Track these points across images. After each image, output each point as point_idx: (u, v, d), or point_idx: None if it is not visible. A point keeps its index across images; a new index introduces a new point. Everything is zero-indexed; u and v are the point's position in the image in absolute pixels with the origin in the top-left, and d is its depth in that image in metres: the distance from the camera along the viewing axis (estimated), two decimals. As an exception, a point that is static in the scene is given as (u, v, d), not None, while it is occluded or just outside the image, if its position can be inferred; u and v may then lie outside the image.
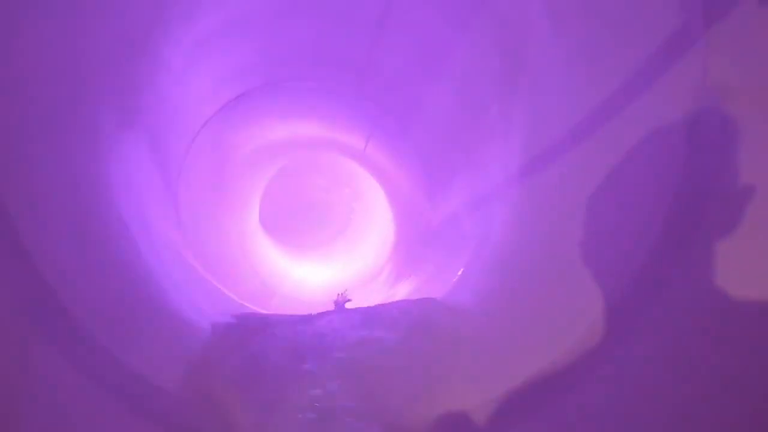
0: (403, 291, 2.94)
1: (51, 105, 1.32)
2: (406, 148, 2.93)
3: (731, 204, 1.08)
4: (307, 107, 3.04)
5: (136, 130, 1.78)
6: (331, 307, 2.86)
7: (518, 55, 1.79)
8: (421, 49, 2.33)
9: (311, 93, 2.85)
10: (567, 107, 1.56)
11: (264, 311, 2.41)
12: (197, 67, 2.15)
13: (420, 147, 2.82)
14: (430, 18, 2.14)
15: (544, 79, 1.68)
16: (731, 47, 1.12)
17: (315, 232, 4.51)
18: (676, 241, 1.17)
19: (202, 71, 2.22)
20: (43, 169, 1.28)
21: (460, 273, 2.23)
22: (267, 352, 1.77)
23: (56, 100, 1.34)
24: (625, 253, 1.31)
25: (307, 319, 2.14)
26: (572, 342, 1.34)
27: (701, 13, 1.17)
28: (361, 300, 3.13)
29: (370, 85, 2.71)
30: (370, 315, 2.10)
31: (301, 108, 3.05)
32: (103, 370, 1.27)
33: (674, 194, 1.19)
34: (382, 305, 2.32)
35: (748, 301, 1.04)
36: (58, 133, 1.34)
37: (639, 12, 1.31)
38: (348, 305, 2.87)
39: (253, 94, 2.66)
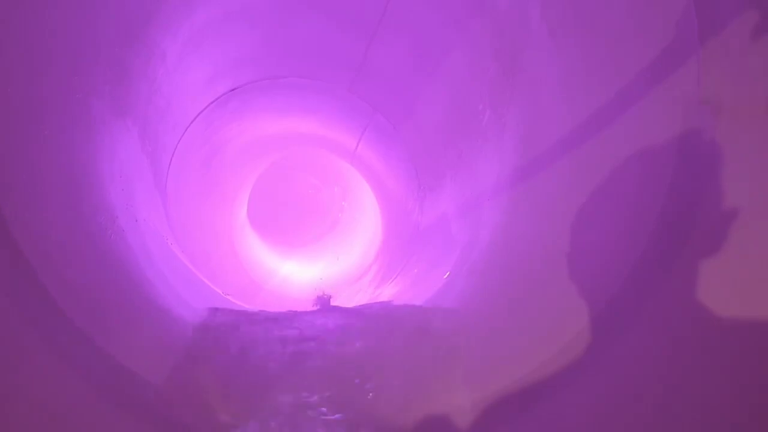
0: (389, 292, 2.94)
1: (42, 92, 1.31)
2: (397, 149, 2.93)
3: (719, 218, 1.09)
4: (300, 104, 3.03)
5: (127, 121, 1.77)
6: (315, 306, 2.86)
7: (514, 61, 1.80)
8: (417, 51, 2.33)
9: (305, 90, 2.84)
10: (560, 116, 1.57)
11: (249, 307, 2.40)
12: (192, 60, 2.14)
13: (411, 148, 2.83)
14: (427, 20, 2.15)
15: (539, 88, 1.69)
16: (725, 64, 1.13)
17: (303, 229, 4.51)
18: (662, 253, 1.18)
19: (197, 64, 2.21)
20: (31, 156, 1.27)
21: (446, 276, 2.23)
22: (251, 349, 1.76)
23: (48, 87, 1.33)
24: (612, 263, 1.32)
25: (292, 316, 2.14)
26: (557, 348, 1.35)
27: (696, 30, 1.18)
28: (346, 299, 3.13)
29: (364, 85, 2.71)
30: (355, 316, 2.10)
31: (294, 104, 3.05)
32: (87, 360, 1.26)
33: (662, 207, 1.20)
34: (367, 306, 2.32)
35: (731, 314, 1.05)
36: (49, 121, 1.33)
37: (635, 26, 1.32)
38: (332, 303, 2.88)
39: (246, 88, 2.66)
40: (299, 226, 4.50)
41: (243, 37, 2.32)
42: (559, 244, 1.49)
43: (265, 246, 4.22)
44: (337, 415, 1.52)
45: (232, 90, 2.61)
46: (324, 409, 1.53)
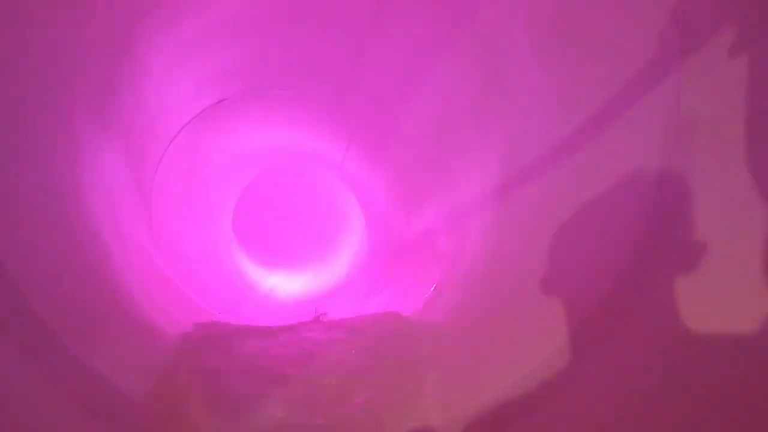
0: (375, 305, 2.93)
1: (25, 105, 1.30)
2: (383, 162, 2.94)
3: (696, 236, 1.10)
4: (286, 116, 3.03)
5: (112, 134, 1.76)
6: (303, 319, 2.85)
7: (499, 76, 1.81)
8: (404, 65, 2.34)
9: (291, 102, 2.84)
10: (543, 133, 1.59)
11: (234, 321, 2.39)
12: (178, 73, 2.14)
13: (397, 161, 2.83)
14: (414, 34, 2.16)
15: (523, 104, 1.71)
16: (704, 81, 1.15)
17: (288, 241, 4.49)
18: (641, 270, 1.20)
19: (183, 76, 2.21)
20: (13, 169, 1.26)
21: (433, 288, 2.23)
22: (235, 363, 1.76)
23: (31, 101, 1.32)
24: (594, 278, 1.33)
25: (276, 330, 2.13)
26: (539, 363, 1.35)
27: (677, 45, 1.20)
28: (332, 312, 3.11)
29: (351, 98, 2.71)
30: (340, 329, 2.09)
31: (280, 117, 3.05)
32: (67, 373, 1.25)
33: (643, 224, 1.21)
34: (353, 319, 2.32)
35: (707, 330, 1.07)
36: (32, 136, 1.33)
37: (616, 42, 1.34)
38: (320, 317, 2.86)
39: (232, 100, 2.65)
40: (285, 238, 4.48)
41: (229, 49, 2.32)
42: (542, 259, 1.50)
43: (251, 258, 4.19)
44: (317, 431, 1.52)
45: (218, 102, 2.60)
46: (306, 425, 1.53)
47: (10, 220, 1.22)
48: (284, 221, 4.45)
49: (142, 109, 2.00)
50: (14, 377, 1.13)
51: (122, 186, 1.92)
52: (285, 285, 4.18)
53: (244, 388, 1.67)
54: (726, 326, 1.04)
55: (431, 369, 1.71)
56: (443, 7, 1.98)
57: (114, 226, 1.72)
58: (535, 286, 1.50)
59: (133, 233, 1.94)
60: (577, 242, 1.42)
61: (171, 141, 2.47)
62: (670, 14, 1.21)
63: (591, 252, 1.37)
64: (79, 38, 1.47)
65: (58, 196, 1.44)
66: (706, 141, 1.12)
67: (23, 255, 1.23)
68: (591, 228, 1.38)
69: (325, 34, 2.37)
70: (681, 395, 1.08)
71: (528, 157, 1.67)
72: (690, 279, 1.10)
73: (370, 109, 2.78)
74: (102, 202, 1.65)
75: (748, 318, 1.01)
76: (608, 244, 1.31)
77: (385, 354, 1.86)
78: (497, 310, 1.70)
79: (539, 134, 1.62)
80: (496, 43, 1.79)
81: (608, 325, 1.23)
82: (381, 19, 2.17)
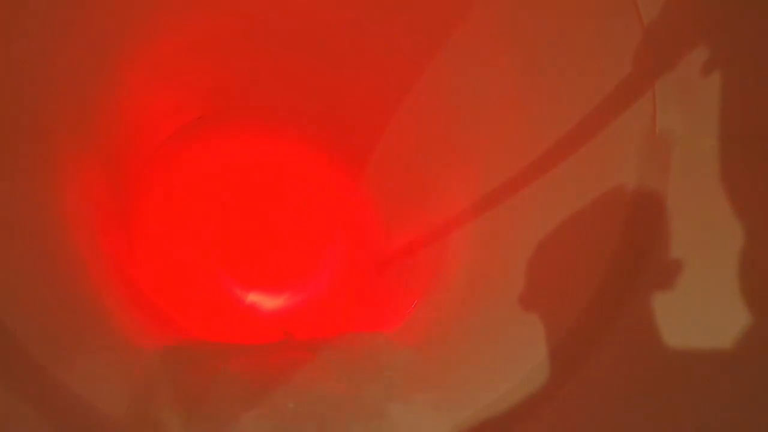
0: (355, 321, 2.92)
1: (1, 123, 1.29)
2: (364, 177, 2.94)
3: (670, 255, 1.12)
4: (268, 133, 3.02)
5: (90, 150, 1.75)
6: (281, 337, 2.83)
7: (480, 91, 1.83)
8: (386, 81, 2.35)
9: (272, 119, 2.84)
10: (523, 150, 1.60)
11: (214, 339, 2.37)
12: (157, 89, 2.13)
13: (378, 176, 2.83)
14: (397, 48, 2.17)
15: (503, 118, 1.72)
16: (678, 100, 1.17)
17: (268, 259, 4.46)
18: (620, 287, 1.21)
19: (162, 93, 2.20)
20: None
21: (413, 305, 2.23)
22: (213, 383, 1.74)
23: (9, 117, 1.31)
24: (573, 294, 1.34)
25: (254, 349, 2.11)
26: (520, 379, 1.35)
27: (651, 64, 1.22)
28: (311, 330, 3.10)
29: (332, 114, 2.72)
30: (319, 348, 2.08)
31: (261, 134, 3.04)
32: (42, 391, 1.22)
33: (621, 241, 1.22)
34: (333, 338, 2.30)
35: (681, 345, 1.08)
36: (9, 154, 1.31)
37: (592, 59, 1.36)
38: (297, 335, 2.84)
39: (212, 118, 2.65)
40: (265, 256, 4.45)
41: (210, 66, 2.32)
42: (522, 275, 1.50)
43: (230, 276, 4.16)
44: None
45: (198, 119, 2.60)
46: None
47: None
48: (264, 239, 4.43)
49: (121, 125, 1.99)
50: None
51: (101, 202, 1.90)
52: (265, 302, 4.15)
53: (223, 407, 1.65)
54: (703, 341, 1.05)
55: (406, 390, 1.70)
56: (426, 21, 1.99)
57: (92, 243, 1.70)
58: (516, 302, 1.50)
59: (111, 250, 1.92)
60: (557, 258, 1.43)
61: (150, 158, 2.45)
62: (643, 33, 1.23)
63: (570, 267, 1.38)
64: (57, 53, 1.46)
65: (35, 213, 1.42)
66: (681, 159, 1.14)
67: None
68: (570, 244, 1.40)
69: (306, 51, 2.37)
70: (661, 408, 1.09)
71: (508, 173, 1.69)
72: (667, 295, 1.11)
73: (351, 125, 2.78)
74: (80, 220, 1.64)
75: (725, 332, 1.03)
76: (587, 260, 1.32)
77: (360, 373, 1.85)
78: (477, 326, 1.70)
79: (519, 151, 1.63)
80: (477, 58, 1.80)
81: (588, 340, 1.24)
82: (363, 34, 2.18)
